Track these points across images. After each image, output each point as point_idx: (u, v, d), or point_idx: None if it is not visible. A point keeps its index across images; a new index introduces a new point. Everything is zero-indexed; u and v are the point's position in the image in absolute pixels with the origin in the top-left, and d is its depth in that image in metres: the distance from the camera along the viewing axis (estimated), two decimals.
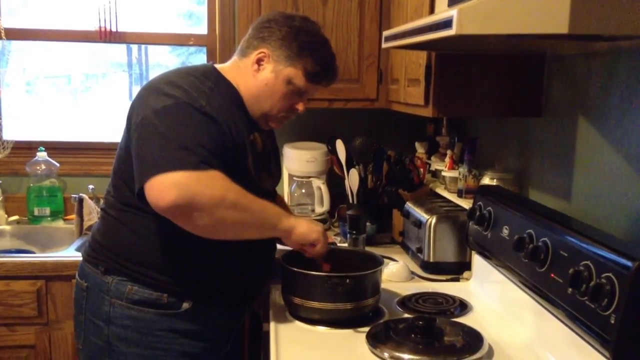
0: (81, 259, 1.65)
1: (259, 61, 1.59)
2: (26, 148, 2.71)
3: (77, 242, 2.44)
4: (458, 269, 2.01)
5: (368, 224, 2.28)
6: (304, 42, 1.58)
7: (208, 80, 1.56)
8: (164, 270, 1.52)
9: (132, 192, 1.46)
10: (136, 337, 1.53)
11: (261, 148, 1.63)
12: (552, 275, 1.33)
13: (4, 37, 2.64)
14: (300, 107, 1.67)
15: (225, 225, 1.43)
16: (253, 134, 1.60)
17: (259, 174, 1.61)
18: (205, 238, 1.45)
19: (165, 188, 1.35)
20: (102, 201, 1.68)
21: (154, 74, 2.15)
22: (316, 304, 1.56)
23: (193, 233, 1.42)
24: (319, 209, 2.55)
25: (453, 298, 1.77)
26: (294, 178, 2.64)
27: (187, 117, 1.45)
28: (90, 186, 2.65)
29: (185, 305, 1.54)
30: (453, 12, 1.08)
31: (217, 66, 1.65)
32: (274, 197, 1.82)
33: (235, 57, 1.67)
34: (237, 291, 1.64)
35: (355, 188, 2.35)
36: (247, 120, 1.61)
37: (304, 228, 1.57)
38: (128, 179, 1.50)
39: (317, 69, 1.60)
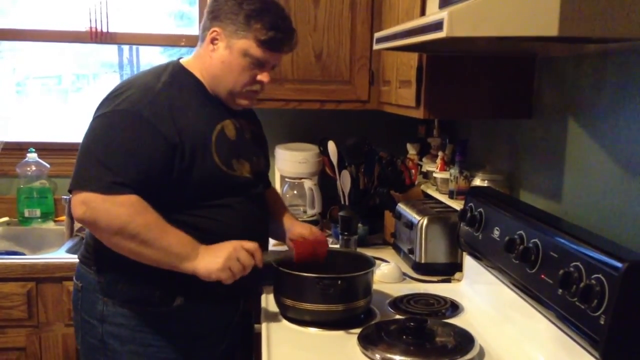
0: (72, 260, 1.66)
1: (212, 40, 1.57)
2: (16, 149, 2.70)
3: (68, 244, 2.42)
4: (449, 270, 2.02)
5: (360, 225, 2.28)
6: (250, 10, 1.54)
7: (164, 75, 1.55)
8: (154, 268, 1.50)
9: None
10: (130, 334, 1.54)
11: (234, 135, 1.60)
12: (543, 276, 1.34)
13: None
14: (264, 78, 1.61)
15: (121, 251, 1.46)
16: (222, 122, 1.58)
17: (229, 163, 1.56)
18: (194, 234, 1.48)
19: (76, 204, 1.44)
20: None
21: None
22: (308, 306, 1.56)
23: None
24: (310, 210, 2.55)
25: (444, 299, 1.77)
26: (286, 179, 2.64)
27: (117, 129, 1.47)
28: None
29: (177, 302, 1.55)
30: (444, 15, 1.08)
31: (182, 60, 1.65)
32: (267, 184, 1.80)
33: (197, 46, 1.66)
34: (229, 287, 1.61)
35: (347, 189, 2.36)
36: (214, 109, 1.59)
37: (203, 271, 1.46)
38: None
39: (269, 35, 1.54)
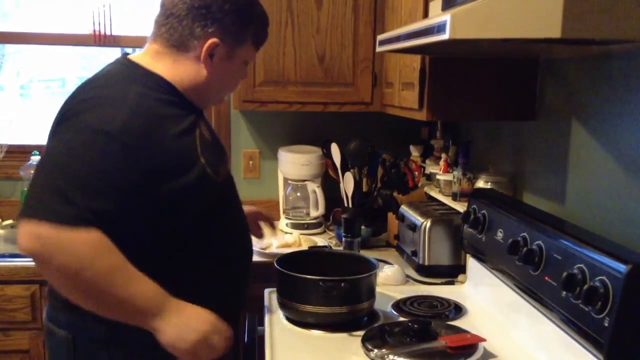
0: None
1: (210, 52, 1.39)
2: (20, 152, 2.71)
3: None
4: (453, 272, 2.02)
5: (363, 227, 2.28)
6: (250, 18, 1.45)
7: (135, 85, 1.33)
8: None
9: None
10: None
11: (209, 136, 1.44)
12: (546, 278, 1.34)
13: None
14: (245, 75, 1.57)
15: (70, 296, 1.24)
16: (199, 127, 1.40)
17: (216, 169, 1.39)
18: (178, 280, 1.33)
19: (25, 235, 1.17)
20: None
21: None
22: (311, 308, 1.56)
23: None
24: (314, 213, 2.56)
25: (448, 301, 1.77)
26: (289, 182, 2.64)
27: (85, 151, 1.22)
28: None
29: None
30: (447, 17, 1.08)
31: (136, 59, 1.42)
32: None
33: (161, 49, 1.41)
34: (237, 305, 1.56)
35: (350, 191, 2.36)
36: (189, 113, 1.39)
37: (167, 341, 1.26)
38: None
39: (262, 37, 1.52)
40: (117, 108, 1.27)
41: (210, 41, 1.39)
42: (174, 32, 1.40)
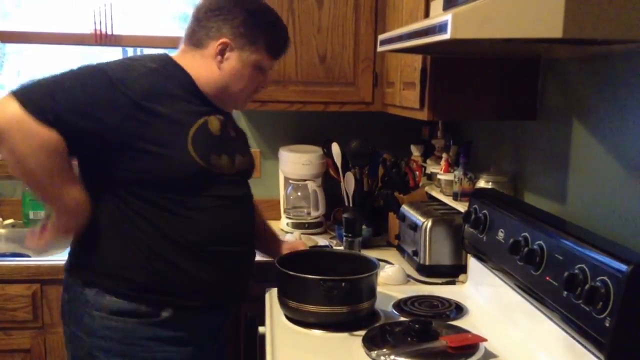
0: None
1: (221, 52, 1.56)
2: None
3: None
4: (454, 272, 2.01)
5: (364, 227, 2.28)
6: (262, 23, 1.58)
7: (153, 63, 1.53)
8: (141, 280, 1.50)
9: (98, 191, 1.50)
10: (118, 347, 1.50)
11: (219, 131, 1.56)
12: (547, 278, 1.34)
13: None
14: (265, 83, 1.69)
15: (15, 175, 1.45)
16: (207, 117, 1.54)
17: (206, 157, 1.51)
18: (176, 244, 1.48)
19: (2, 107, 1.36)
20: None
21: None
22: (312, 307, 1.56)
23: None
24: (314, 212, 2.55)
25: (449, 301, 1.77)
26: (290, 181, 2.64)
27: (87, 80, 1.43)
28: None
29: (165, 313, 1.52)
30: (448, 17, 1.08)
31: (172, 54, 1.63)
32: (247, 187, 1.70)
33: (186, 48, 1.61)
34: (217, 296, 1.61)
35: (350, 191, 2.36)
36: (200, 104, 1.56)
37: None
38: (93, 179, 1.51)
39: (278, 46, 1.62)
40: (127, 70, 1.48)
41: (221, 40, 1.55)
42: (194, 33, 1.59)
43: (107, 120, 1.42)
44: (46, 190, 1.46)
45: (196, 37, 1.59)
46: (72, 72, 1.46)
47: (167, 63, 1.57)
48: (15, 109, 1.35)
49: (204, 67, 1.58)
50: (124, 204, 1.49)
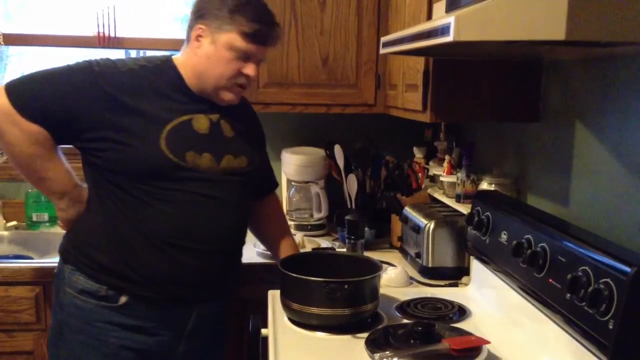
0: None
1: (197, 37, 1.61)
2: None
3: None
4: (457, 274, 2.01)
5: (366, 229, 2.28)
6: (234, 4, 1.59)
7: (146, 62, 1.65)
8: (105, 262, 1.59)
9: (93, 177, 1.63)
10: (79, 325, 1.60)
11: (207, 129, 1.63)
12: (551, 280, 1.34)
13: (2, 43, 2.64)
14: (249, 70, 1.63)
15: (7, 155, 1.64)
16: (193, 115, 1.62)
17: (180, 154, 1.57)
18: (141, 233, 1.57)
19: None
20: None
21: None
22: (315, 310, 1.56)
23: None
24: (317, 214, 2.56)
25: (452, 303, 1.77)
26: (292, 183, 2.64)
27: (72, 76, 1.57)
28: None
29: (123, 299, 1.59)
30: (451, 19, 1.08)
31: (174, 57, 1.70)
32: (268, 189, 1.88)
33: (183, 48, 1.70)
34: (175, 291, 1.63)
35: (353, 193, 2.36)
36: (189, 103, 1.63)
37: (63, 214, 1.67)
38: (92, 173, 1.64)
39: (252, 28, 1.59)
40: (114, 65, 1.61)
41: (197, 26, 1.62)
42: (186, 32, 1.68)
43: (88, 113, 1.55)
44: (30, 174, 1.64)
45: (186, 34, 1.67)
46: (62, 67, 1.60)
47: (163, 62, 1.66)
48: (4, 103, 1.53)
49: (188, 59, 1.65)
50: (102, 189, 1.60)
